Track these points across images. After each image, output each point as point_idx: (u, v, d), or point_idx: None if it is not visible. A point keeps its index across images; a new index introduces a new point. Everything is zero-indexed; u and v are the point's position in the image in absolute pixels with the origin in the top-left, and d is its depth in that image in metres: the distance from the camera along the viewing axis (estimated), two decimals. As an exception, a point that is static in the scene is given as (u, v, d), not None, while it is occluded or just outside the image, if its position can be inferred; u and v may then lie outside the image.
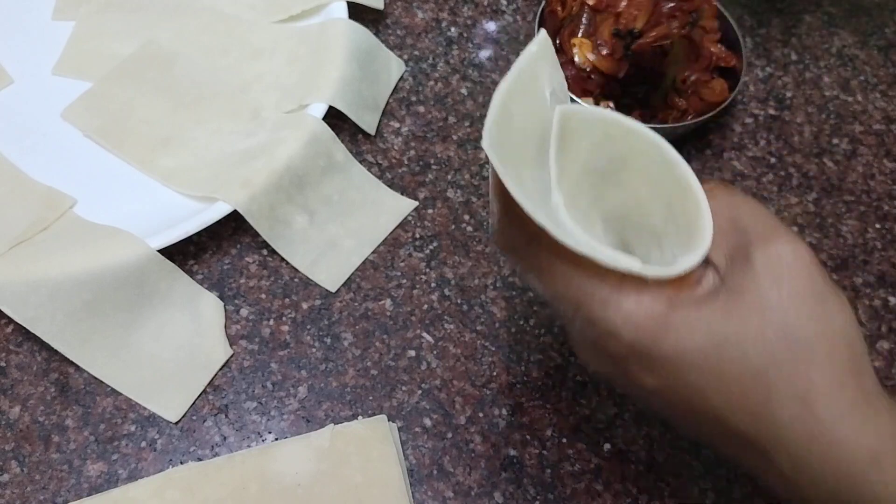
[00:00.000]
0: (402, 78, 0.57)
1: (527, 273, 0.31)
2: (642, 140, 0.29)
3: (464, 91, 0.56)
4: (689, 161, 0.51)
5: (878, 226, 0.52)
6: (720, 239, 0.28)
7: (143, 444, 0.42)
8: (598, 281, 0.28)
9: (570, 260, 0.27)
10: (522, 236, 0.29)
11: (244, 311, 0.47)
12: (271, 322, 0.46)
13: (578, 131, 0.30)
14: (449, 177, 0.52)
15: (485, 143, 0.26)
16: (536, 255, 0.29)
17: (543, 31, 0.31)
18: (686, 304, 0.27)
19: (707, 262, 0.28)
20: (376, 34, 0.57)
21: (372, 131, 0.53)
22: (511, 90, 0.28)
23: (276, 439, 0.43)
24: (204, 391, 0.44)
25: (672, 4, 0.49)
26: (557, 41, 0.53)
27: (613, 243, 0.31)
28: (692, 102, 0.51)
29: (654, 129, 0.50)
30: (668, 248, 0.30)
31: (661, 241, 0.30)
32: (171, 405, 0.43)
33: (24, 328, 0.43)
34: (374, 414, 0.43)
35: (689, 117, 0.50)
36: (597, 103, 0.51)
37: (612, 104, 0.51)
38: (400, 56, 0.57)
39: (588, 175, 0.31)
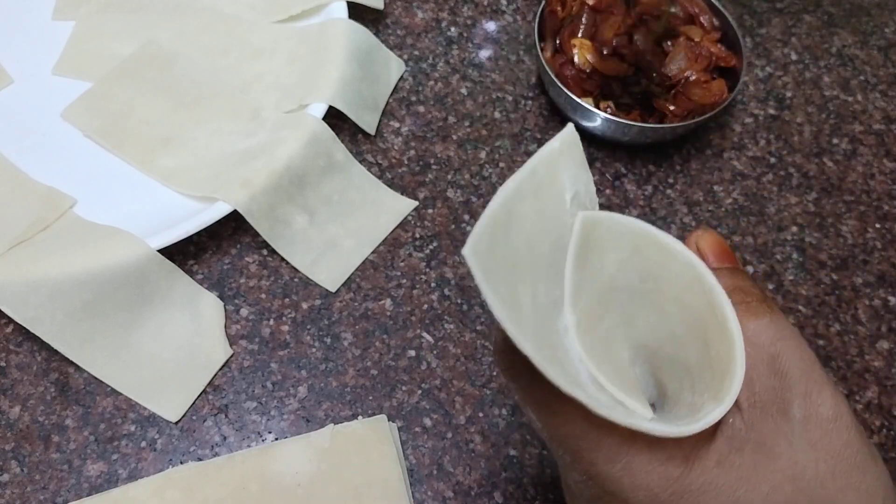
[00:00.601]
0: (402, 78, 0.57)
1: (524, 405, 0.27)
2: (677, 260, 0.26)
3: (464, 91, 0.56)
4: (688, 161, 0.51)
5: (878, 226, 0.52)
6: (755, 379, 0.25)
7: (143, 444, 0.42)
8: (604, 431, 0.24)
9: (572, 400, 0.23)
10: (519, 362, 0.24)
11: (244, 311, 0.47)
12: (271, 322, 0.46)
13: (603, 242, 0.27)
14: (449, 177, 0.52)
15: (466, 250, 0.22)
16: (535, 387, 0.25)
17: (571, 126, 0.27)
18: (707, 465, 0.24)
19: (736, 403, 0.25)
20: (376, 34, 0.57)
21: (372, 131, 0.53)
22: (519, 190, 0.25)
23: (276, 439, 0.43)
24: (204, 391, 0.44)
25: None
26: (558, 41, 0.53)
27: (642, 376, 0.28)
28: (680, 103, 0.50)
29: (655, 128, 0.50)
30: (699, 391, 0.26)
31: (694, 381, 0.27)
32: (171, 405, 0.43)
33: (24, 328, 0.43)
34: (374, 414, 0.43)
35: (692, 117, 0.50)
36: (597, 104, 0.51)
37: (612, 104, 0.51)
38: (400, 56, 0.57)
39: (615, 293, 0.27)
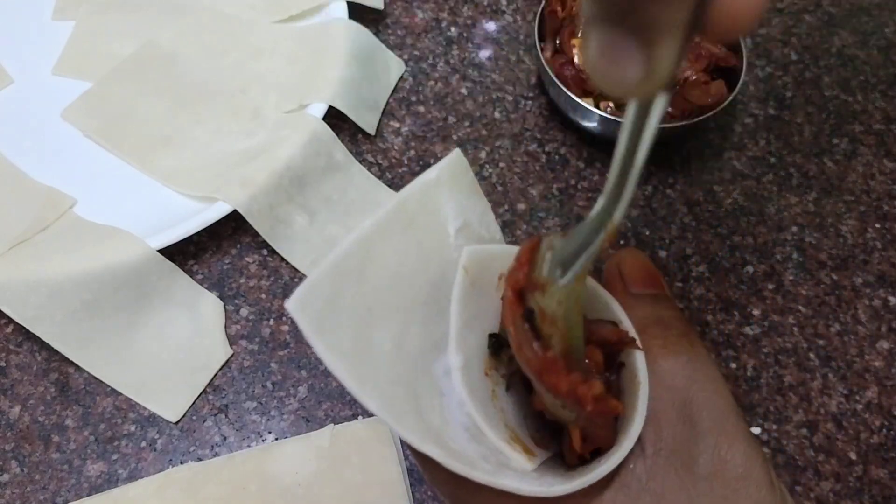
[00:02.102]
0: (402, 78, 0.57)
1: (406, 447, 0.25)
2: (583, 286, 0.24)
3: (464, 91, 0.56)
4: (689, 161, 0.51)
5: (878, 226, 0.52)
6: (664, 424, 0.23)
7: (143, 444, 0.42)
8: (473, 484, 0.21)
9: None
10: None
11: (244, 311, 0.47)
12: (271, 322, 0.46)
13: (497, 276, 0.25)
14: (449, 177, 0.52)
15: (289, 303, 0.20)
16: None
17: (457, 151, 0.25)
18: None
19: (639, 444, 0.23)
20: (376, 34, 0.57)
21: (372, 131, 0.53)
22: (381, 229, 0.23)
23: (276, 439, 0.43)
24: (204, 391, 0.44)
25: None
26: (558, 41, 0.54)
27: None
28: (677, 104, 0.50)
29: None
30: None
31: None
32: (171, 405, 0.43)
33: (24, 328, 0.43)
34: (374, 414, 0.43)
35: (692, 117, 0.50)
36: (597, 104, 0.51)
37: (612, 104, 0.51)
38: (400, 56, 0.57)
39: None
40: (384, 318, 0.23)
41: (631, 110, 0.19)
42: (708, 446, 0.23)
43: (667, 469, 0.23)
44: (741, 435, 0.23)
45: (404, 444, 0.42)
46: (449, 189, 0.25)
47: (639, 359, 0.24)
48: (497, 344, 0.25)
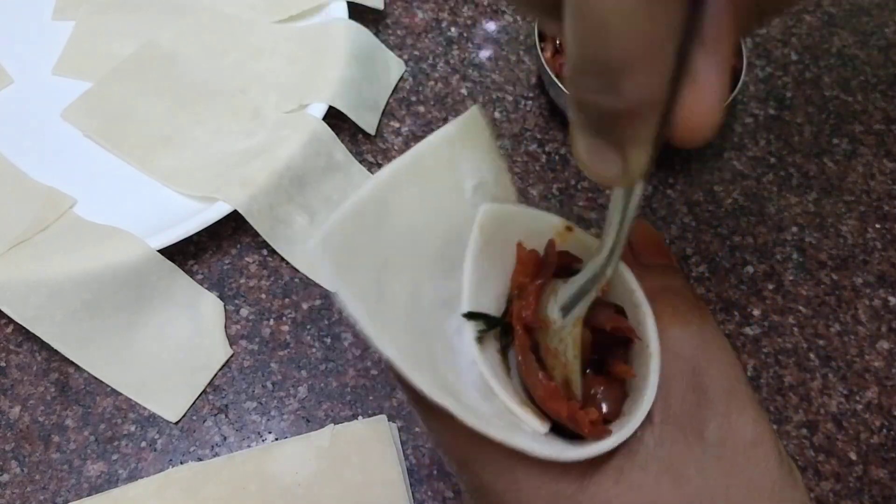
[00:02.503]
0: (402, 78, 0.57)
1: (411, 405, 0.24)
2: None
3: (464, 91, 0.56)
4: (688, 161, 0.51)
5: (878, 226, 0.52)
6: (672, 392, 0.23)
7: (143, 444, 0.42)
8: (491, 442, 0.21)
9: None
10: None
11: (244, 311, 0.47)
12: (271, 322, 0.46)
13: (515, 237, 0.25)
14: (449, 177, 0.52)
15: (313, 242, 0.20)
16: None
17: (475, 108, 0.25)
18: (604, 483, 0.22)
19: (648, 415, 0.23)
20: (376, 34, 0.57)
21: (372, 131, 0.53)
22: (397, 179, 0.22)
23: (276, 439, 0.43)
24: (204, 391, 0.44)
25: None
26: (558, 41, 0.54)
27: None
28: None
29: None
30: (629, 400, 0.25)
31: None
32: (171, 405, 0.43)
33: (24, 328, 0.43)
34: (374, 414, 0.43)
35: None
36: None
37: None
38: (400, 56, 0.57)
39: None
40: (399, 270, 0.23)
41: (616, 193, 0.22)
42: (717, 414, 0.23)
43: (675, 436, 0.22)
44: (751, 404, 0.23)
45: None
46: (465, 146, 0.24)
47: (650, 328, 0.24)
48: (503, 329, 0.26)
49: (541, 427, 0.23)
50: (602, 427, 0.23)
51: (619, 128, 0.18)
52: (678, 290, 0.25)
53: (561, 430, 0.24)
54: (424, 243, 0.24)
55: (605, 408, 0.24)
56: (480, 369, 0.23)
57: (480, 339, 0.24)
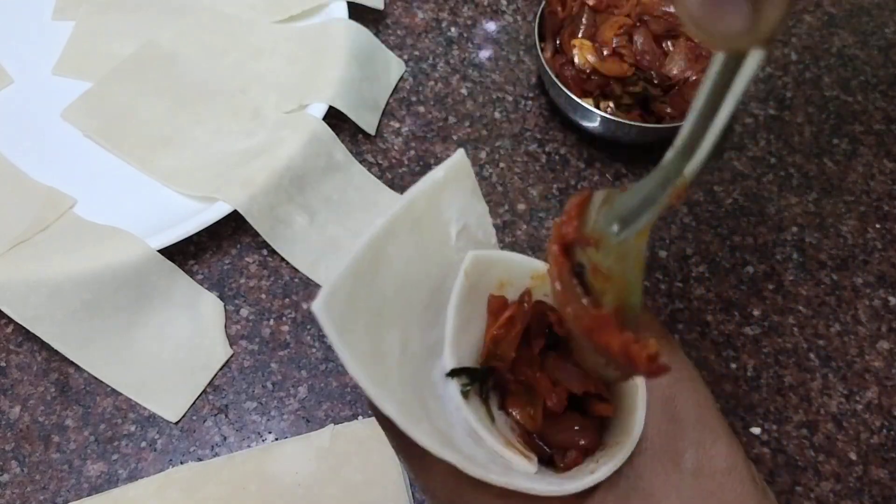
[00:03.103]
0: (402, 78, 0.57)
1: (398, 454, 0.24)
2: None
3: (464, 91, 0.56)
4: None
5: (878, 226, 0.52)
6: (648, 423, 0.23)
7: (143, 444, 0.42)
8: (479, 489, 0.21)
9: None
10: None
11: (244, 311, 0.47)
12: (271, 322, 0.46)
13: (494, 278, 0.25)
14: (449, 177, 0.52)
15: (316, 305, 0.20)
16: (407, 440, 0.21)
17: (461, 152, 0.25)
18: None
19: None
20: (376, 34, 0.57)
21: (372, 131, 0.53)
22: (391, 229, 0.22)
23: (276, 439, 0.43)
24: (204, 391, 0.44)
25: None
26: (558, 41, 0.53)
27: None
28: (677, 105, 0.50)
29: (655, 128, 0.50)
30: (612, 434, 0.24)
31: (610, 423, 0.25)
32: (171, 405, 0.43)
33: (24, 328, 0.43)
34: (384, 416, 0.43)
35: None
36: (597, 104, 0.51)
37: (612, 104, 0.51)
38: (400, 56, 0.57)
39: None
40: (392, 321, 0.23)
41: (718, 61, 0.18)
42: (692, 442, 0.23)
43: (654, 466, 0.23)
44: (723, 431, 0.24)
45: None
46: (453, 190, 0.24)
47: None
48: (481, 376, 0.25)
49: (530, 467, 0.23)
50: (659, 364, 0.21)
51: None
52: (646, 323, 0.25)
53: (545, 464, 0.24)
54: (415, 292, 0.23)
55: (583, 442, 0.24)
56: (466, 417, 0.23)
57: (466, 394, 0.24)
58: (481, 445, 0.23)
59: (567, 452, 0.24)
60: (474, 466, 0.21)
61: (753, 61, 0.18)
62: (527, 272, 0.25)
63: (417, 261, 0.23)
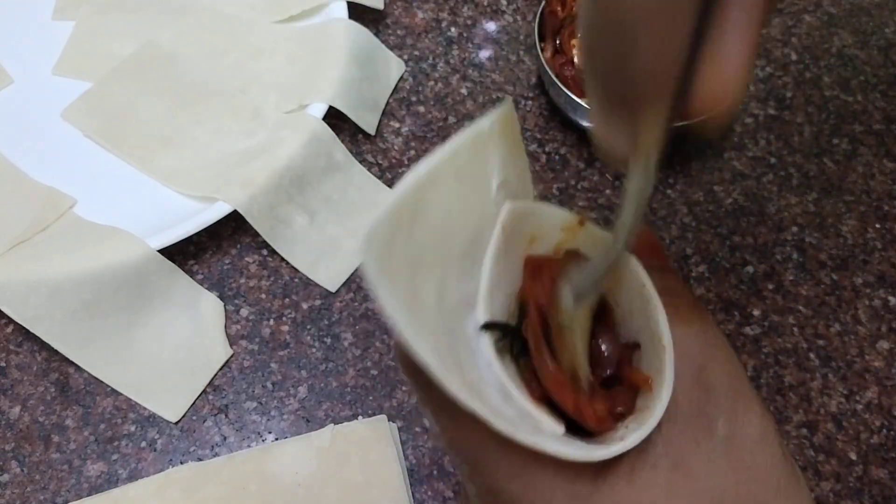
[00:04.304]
0: (402, 78, 0.57)
1: (423, 407, 0.24)
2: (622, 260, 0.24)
3: (464, 91, 0.56)
4: (689, 161, 0.51)
5: (878, 226, 0.52)
6: (678, 391, 0.23)
7: (143, 444, 0.42)
8: (507, 444, 0.21)
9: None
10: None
11: (244, 311, 0.47)
12: (271, 322, 0.46)
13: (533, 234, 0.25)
14: (449, 177, 0.52)
15: (363, 243, 0.19)
16: (435, 390, 0.20)
17: (509, 100, 0.24)
18: (617, 483, 0.22)
19: None
20: (376, 34, 0.57)
21: (372, 131, 0.53)
22: (434, 175, 0.22)
23: (276, 439, 0.43)
24: (204, 391, 0.44)
25: None
26: (558, 41, 0.53)
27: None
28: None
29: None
30: (642, 396, 0.24)
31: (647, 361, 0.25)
32: (171, 405, 0.43)
33: (24, 328, 0.43)
34: (374, 414, 0.43)
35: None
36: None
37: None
38: (400, 56, 0.57)
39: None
40: (429, 269, 0.22)
41: (631, 177, 0.21)
42: (724, 411, 0.23)
43: (684, 433, 0.23)
44: (755, 401, 0.24)
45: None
46: (497, 142, 0.24)
47: (662, 322, 0.24)
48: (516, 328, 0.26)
49: (558, 428, 0.22)
50: (609, 422, 0.22)
51: (632, 97, 0.17)
52: (678, 291, 0.25)
53: (575, 428, 0.24)
54: (453, 242, 0.23)
55: (620, 409, 0.24)
56: (497, 373, 0.23)
57: (498, 349, 0.24)
58: (510, 404, 0.23)
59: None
60: (503, 422, 0.20)
61: (651, 168, 0.20)
62: (557, 224, 0.25)
63: (458, 211, 0.23)
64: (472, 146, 0.23)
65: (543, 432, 0.22)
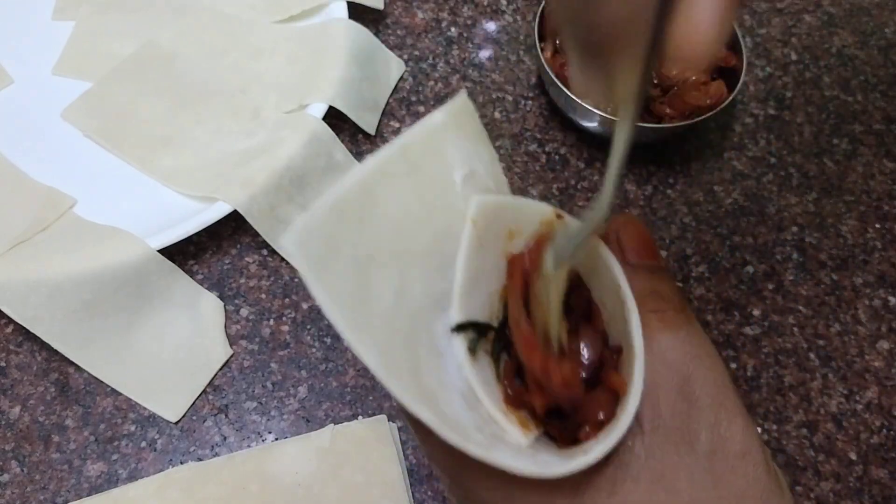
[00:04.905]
0: (402, 78, 0.57)
1: (401, 417, 0.24)
2: (594, 255, 0.24)
3: (464, 91, 0.56)
4: (688, 161, 0.51)
5: (878, 226, 0.52)
6: (662, 400, 0.23)
7: (143, 444, 0.42)
8: (469, 459, 0.20)
9: None
10: None
11: (244, 311, 0.47)
12: (271, 322, 0.46)
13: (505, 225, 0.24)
14: (449, 177, 0.52)
15: (286, 238, 0.19)
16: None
17: (463, 93, 0.24)
18: (598, 496, 0.21)
19: (637, 421, 0.22)
20: (376, 34, 0.57)
21: (372, 131, 0.53)
22: (383, 170, 0.21)
23: (276, 439, 0.43)
24: (204, 391, 0.44)
25: None
26: (558, 41, 0.53)
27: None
28: (676, 105, 0.50)
29: (655, 128, 0.50)
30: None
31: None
32: (171, 405, 0.43)
33: (24, 328, 0.43)
34: (374, 414, 0.43)
35: (692, 117, 0.50)
36: (597, 104, 0.51)
37: (612, 104, 0.51)
38: (400, 56, 0.57)
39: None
40: (385, 267, 0.21)
41: (615, 132, 0.21)
42: (707, 423, 0.22)
43: (666, 446, 0.22)
44: (739, 412, 0.23)
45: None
46: (455, 134, 0.23)
47: (634, 326, 0.23)
48: (499, 341, 0.25)
49: (523, 439, 0.22)
50: (576, 389, 0.22)
51: (605, 45, 0.17)
52: (666, 294, 0.25)
53: (558, 435, 0.23)
54: (413, 238, 0.22)
55: (601, 415, 0.23)
56: (466, 375, 0.22)
57: (473, 350, 0.23)
58: (477, 411, 0.22)
59: (581, 427, 0.23)
60: (450, 431, 0.19)
61: (627, 122, 0.20)
62: (536, 218, 0.25)
63: (417, 206, 0.22)
64: (425, 140, 0.23)
65: (506, 441, 0.22)
